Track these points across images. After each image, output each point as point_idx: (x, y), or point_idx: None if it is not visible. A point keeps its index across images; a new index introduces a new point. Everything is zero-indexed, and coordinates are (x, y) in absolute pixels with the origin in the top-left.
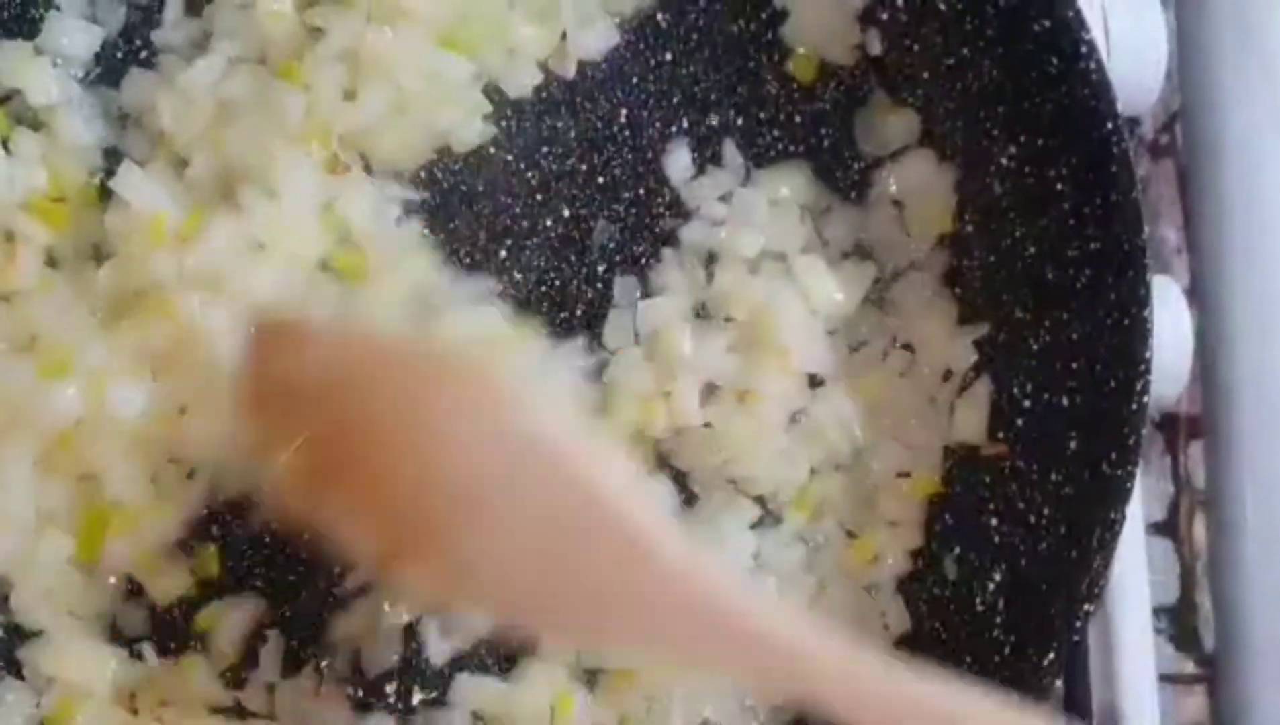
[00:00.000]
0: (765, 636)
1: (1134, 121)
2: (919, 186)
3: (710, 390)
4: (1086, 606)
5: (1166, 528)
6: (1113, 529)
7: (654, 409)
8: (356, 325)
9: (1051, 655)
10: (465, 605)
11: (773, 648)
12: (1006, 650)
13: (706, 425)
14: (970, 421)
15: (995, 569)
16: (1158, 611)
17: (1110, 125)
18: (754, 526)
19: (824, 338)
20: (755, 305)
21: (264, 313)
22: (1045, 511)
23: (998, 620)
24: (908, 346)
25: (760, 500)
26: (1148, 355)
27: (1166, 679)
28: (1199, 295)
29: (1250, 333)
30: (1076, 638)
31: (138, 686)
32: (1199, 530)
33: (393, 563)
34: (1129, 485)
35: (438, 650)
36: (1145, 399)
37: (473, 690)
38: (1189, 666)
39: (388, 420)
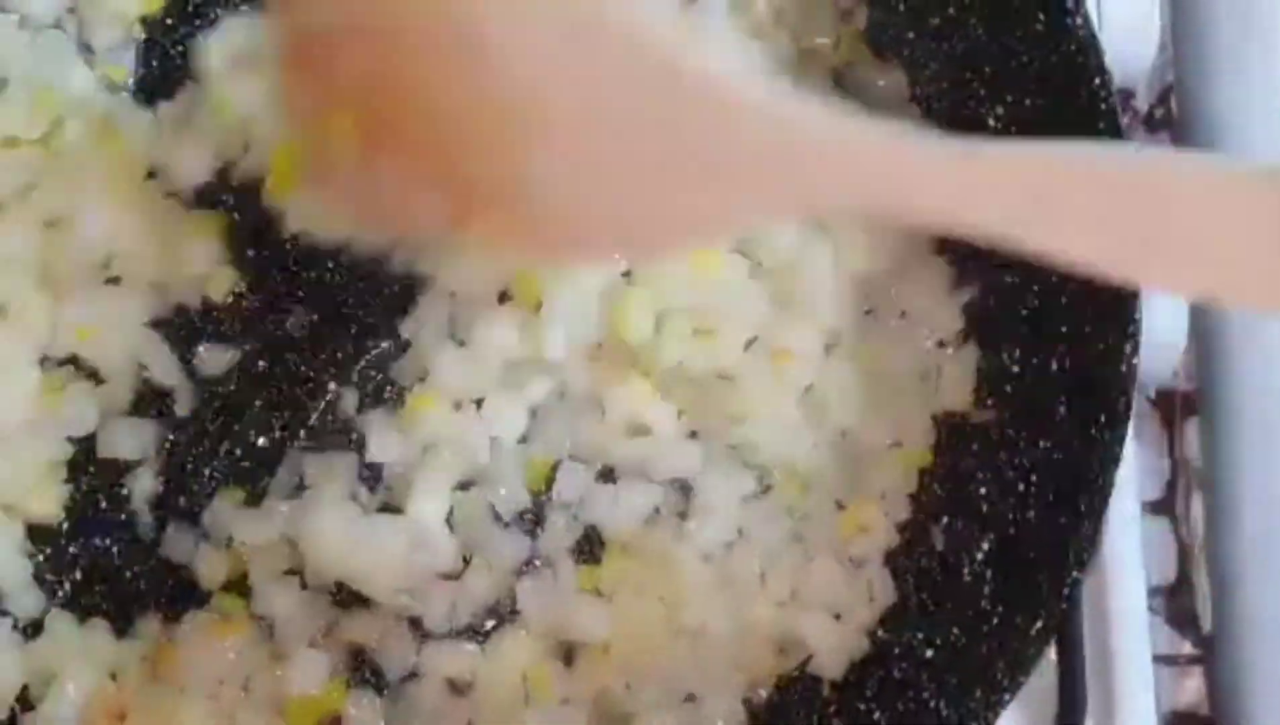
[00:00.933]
0: (867, 152)
1: (1128, 93)
2: None
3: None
4: (1076, 573)
5: (1163, 506)
6: (1102, 494)
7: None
8: None
9: (1040, 623)
10: (544, 251)
11: (877, 163)
12: (995, 620)
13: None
14: (958, 389)
15: (983, 538)
16: (1154, 592)
17: (1098, 81)
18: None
19: (845, 301)
20: (787, 258)
21: None
22: (1034, 479)
23: (986, 590)
24: (902, 314)
25: (757, 473)
26: (1137, 316)
27: (1163, 660)
28: None
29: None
30: (1065, 605)
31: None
32: (1196, 509)
33: (462, 222)
34: (1118, 449)
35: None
36: (1135, 361)
37: (445, 659)
38: (1186, 648)
39: (433, 41)
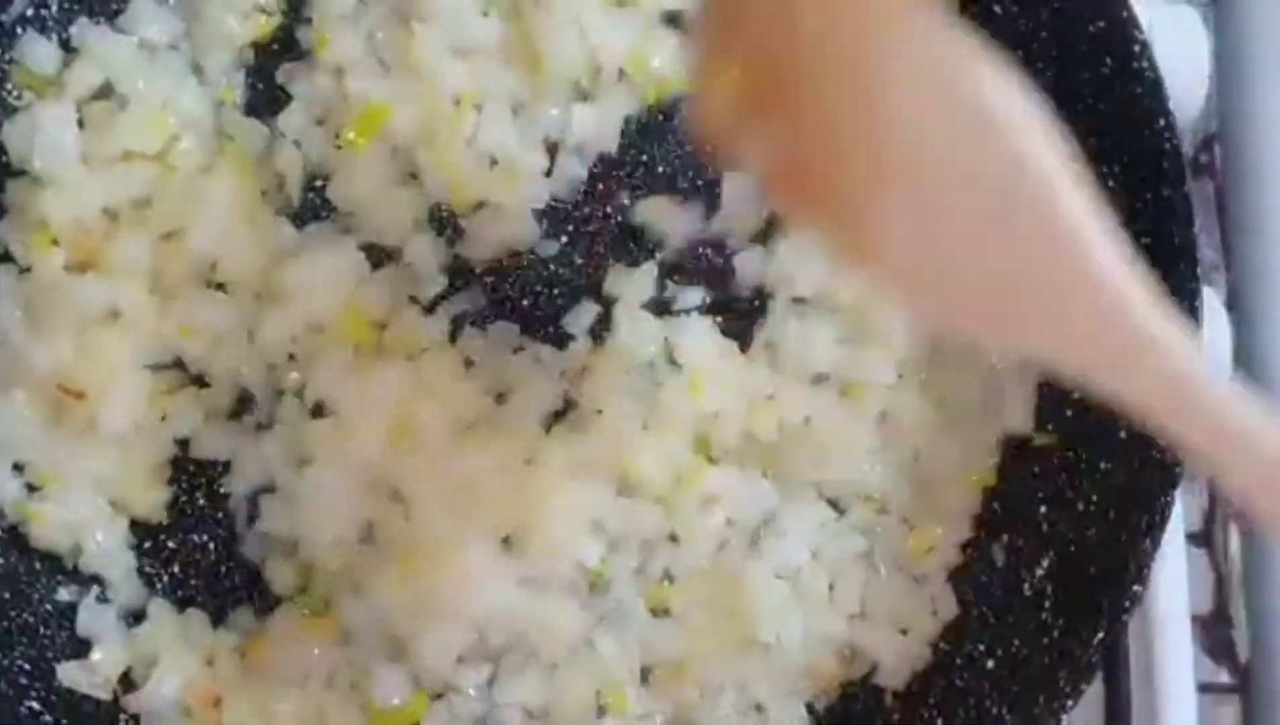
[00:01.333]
0: (1182, 376)
1: None
2: None
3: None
4: (1136, 587)
5: (1202, 538)
6: (1162, 513)
7: (763, 410)
8: None
9: (1101, 634)
10: (860, 269)
11: (1189, 391)
12: (1055, 633)
13: (805, 421)
14: (1019, 412)
15: (1044, 555)
16: (1192, 621)
17: (1163, 121)
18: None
19: (915, 332)
20: (859, 293)
21: None
22: (1094, 499)
23: (1046, 604)
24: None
25: (833, 502)
26: (1199, 343)
27: (1201, 688)
28: (1236, 311)
29: None
30: (1126, 617)
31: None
32: (1234, 541)
33: (797, 204)
34: (1178, 471)
35: None
36: None
37: (517, 688)
38: (1223, 676)
39: (835, 54)
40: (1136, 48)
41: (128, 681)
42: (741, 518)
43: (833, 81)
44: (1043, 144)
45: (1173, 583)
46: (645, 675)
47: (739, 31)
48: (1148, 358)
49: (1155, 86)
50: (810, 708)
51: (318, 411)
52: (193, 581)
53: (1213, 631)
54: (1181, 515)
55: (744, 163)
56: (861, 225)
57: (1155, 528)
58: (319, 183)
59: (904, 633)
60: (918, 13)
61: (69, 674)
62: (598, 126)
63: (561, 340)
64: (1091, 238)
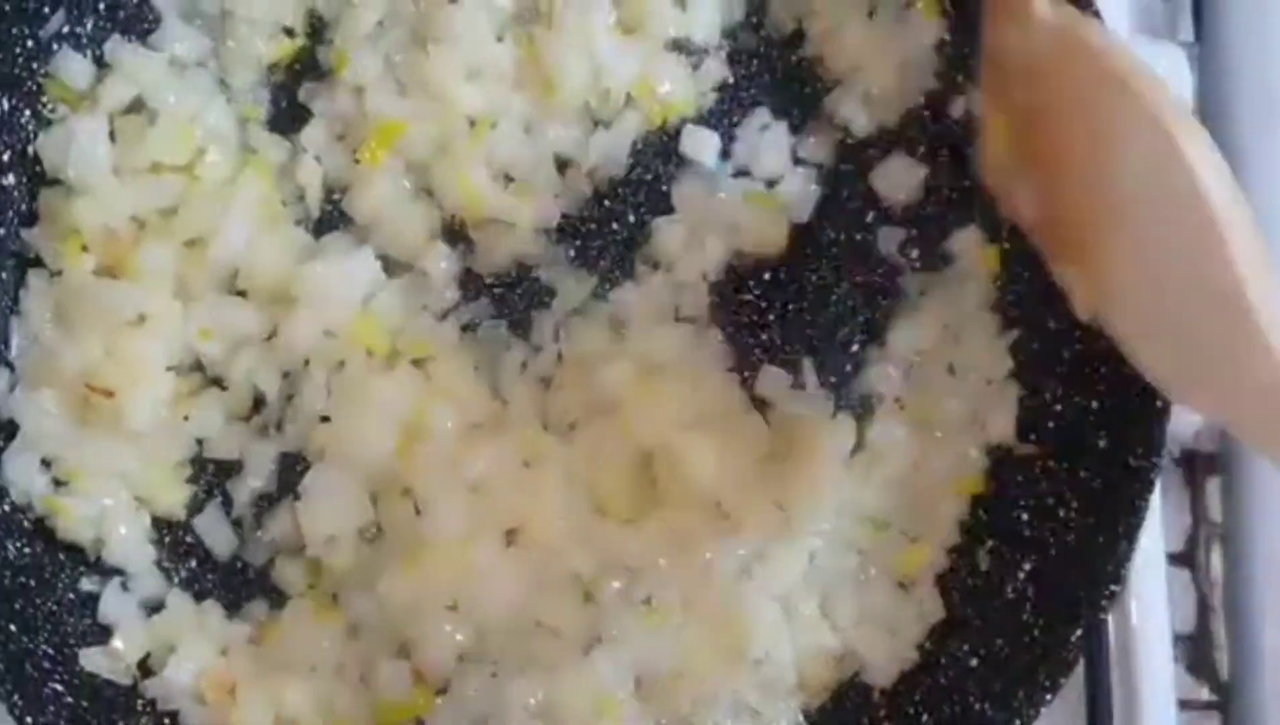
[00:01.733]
0: None
1: None
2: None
3: None
4: (1113, 587)
5: (1185, 559)
6: (1138, 515)
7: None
8: (1080, 20)
9: (1079, 631)
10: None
11: None
12: (1036, 632)
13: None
14: (1000, 423)
15: (1026, 559)
16: (1175, 639)
17: None
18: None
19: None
20: None
21: None
22: (1074, 505)
23: (1028, 605)
24: (950, 368)
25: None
26: None
27: (1182, 705)
28: None
29: None
30: (1103, 614)
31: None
32: (1216, 562)
33: (1057, 249)
34: (1154, 476)
35: None
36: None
37: (518, 688)
38: (1204, 694)
39: (1076, 114)
40: None
41: (146, 668)
42: (724, 555)
43: (1073, 133)
44: (1241, 231)
45: (1153, 601)
46: (639, 684)
47: (1004, 87)
48: None
49: None
50: (803, 709)
51: (327, 415)
52: (209, 575)
53: (1194, 650)
54: (1164, 536)
55: (1020, 211)
56: (1100, 270)
57: (1131, 531)
58: (337, 196)
59: (892, 634)
60: (1142, 74)
61: (91, 659)
62: (608, 149)
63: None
64: (1266, 317)
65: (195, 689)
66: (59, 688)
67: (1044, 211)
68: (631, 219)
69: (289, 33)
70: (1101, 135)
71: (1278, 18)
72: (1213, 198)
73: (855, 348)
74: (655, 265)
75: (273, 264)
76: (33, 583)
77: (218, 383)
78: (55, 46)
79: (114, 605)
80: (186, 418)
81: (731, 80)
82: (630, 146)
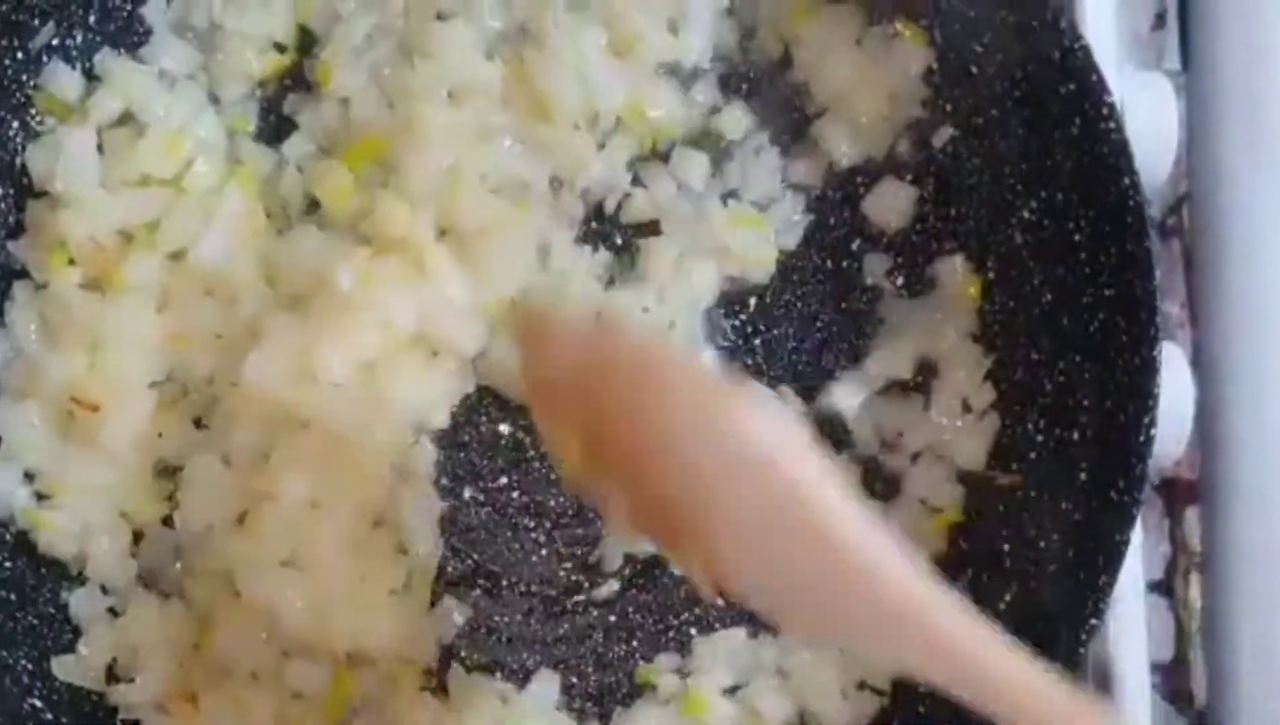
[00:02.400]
0: (948, 642)
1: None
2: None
3: None
4: (1093, 621)
5: (1163, 587)
6: (1119, 550)
7: None
8: (603, 322)
9: (1059, 665)
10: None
11: (958, 655)
12: None
13: None
14: (971, 449)
15: (1006, 590)
16: (1153, 668)
17: (1127, 181)
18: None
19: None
20: None
21: (524, 306)
22: (1055, 537)
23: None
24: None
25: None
26: (1156, 390)
27: None
28: (1200, 367)
29: (1247, 403)
30: (1083, 649)
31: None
32: (1194, 591)
33: (658, 537)
34: (1135, 511)
35: None
36: (1153, 431)
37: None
38: (1182, 722)
39: (625, 415)
40: (1105, 110)
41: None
42: None
43: (633, 430)
44: (809, 469)
45: (1132, 629)
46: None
47: (556, 406)
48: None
49: (1121, 146)
50: None
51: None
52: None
53: (1172, 678)
54: (1143, 564)
55: (607, 507)
56: (709, 550)
57: (1112, 565)
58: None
59: (863, 668)
60: (684, 370)
61: (61, 666)
62: (598, 170)
63: None
64: (844, 536)
65: (157, 702)
66: (38, 703)
67: (640, 509)
68: (619, 241)
69: (279, 48)
70: (656, 426)
71: (1265, 46)
72: (783, 462)
73: (837, 375)
74: (644, 287)
75: (254, 272)
76: (13, 597)
77: (184, 392)
78: (45, 59)
79: (84, 602)
80: (160, 434)
81: (722, 104)
82: (620, 168)
